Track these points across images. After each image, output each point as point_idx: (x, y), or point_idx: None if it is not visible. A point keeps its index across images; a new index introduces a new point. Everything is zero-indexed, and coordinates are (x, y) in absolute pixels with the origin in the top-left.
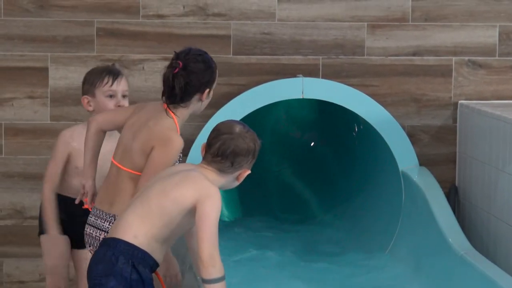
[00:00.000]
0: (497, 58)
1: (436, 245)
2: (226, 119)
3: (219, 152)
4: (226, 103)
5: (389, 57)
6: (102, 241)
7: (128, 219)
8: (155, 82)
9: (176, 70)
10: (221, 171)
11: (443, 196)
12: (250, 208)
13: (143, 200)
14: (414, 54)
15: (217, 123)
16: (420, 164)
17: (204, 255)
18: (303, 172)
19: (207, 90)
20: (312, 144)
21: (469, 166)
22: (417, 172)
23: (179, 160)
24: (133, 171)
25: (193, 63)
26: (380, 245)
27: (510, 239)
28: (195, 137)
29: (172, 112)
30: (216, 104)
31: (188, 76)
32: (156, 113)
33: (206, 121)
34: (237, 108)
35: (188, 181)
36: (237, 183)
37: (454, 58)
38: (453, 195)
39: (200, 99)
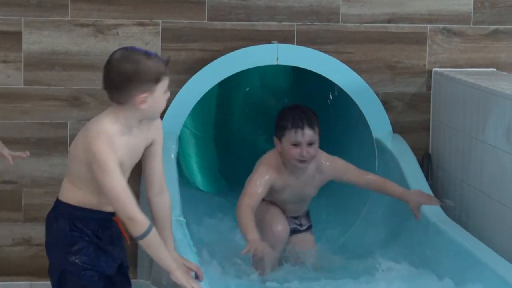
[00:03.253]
0: (471, 26)
1: (409, 212)
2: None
3: (104, 86)
4: (200, 68)
5: (364, 24)
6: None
7: None
8: None
9: None
10: (119, 103)
11: (417, 164)
12: (229, 178)
13: None
14: (389, 22)
15: None
16: (394, 132)
17: (123, 215)
18: None
19: None
20: None
21: (443, 134)
22: (390, 139)
23: None
24: None
25: None
26: (353, 212)
27: (483, 207)
28: (169, 104)
29: None
30: (191, 70)
31: None
32: None
33: (181, 87)
34: (212, 74)
35: (82, 130)
36: (145, 107)
37: (428, 26)
38: (426, 162)
39: None
